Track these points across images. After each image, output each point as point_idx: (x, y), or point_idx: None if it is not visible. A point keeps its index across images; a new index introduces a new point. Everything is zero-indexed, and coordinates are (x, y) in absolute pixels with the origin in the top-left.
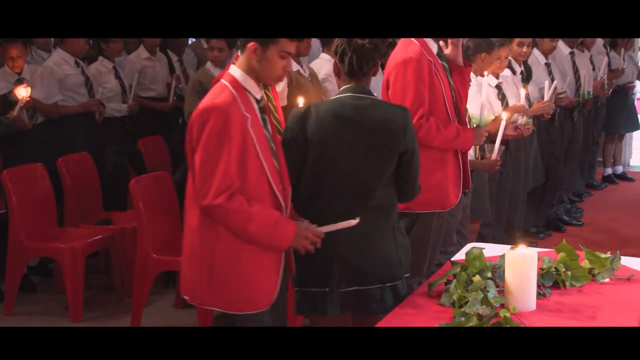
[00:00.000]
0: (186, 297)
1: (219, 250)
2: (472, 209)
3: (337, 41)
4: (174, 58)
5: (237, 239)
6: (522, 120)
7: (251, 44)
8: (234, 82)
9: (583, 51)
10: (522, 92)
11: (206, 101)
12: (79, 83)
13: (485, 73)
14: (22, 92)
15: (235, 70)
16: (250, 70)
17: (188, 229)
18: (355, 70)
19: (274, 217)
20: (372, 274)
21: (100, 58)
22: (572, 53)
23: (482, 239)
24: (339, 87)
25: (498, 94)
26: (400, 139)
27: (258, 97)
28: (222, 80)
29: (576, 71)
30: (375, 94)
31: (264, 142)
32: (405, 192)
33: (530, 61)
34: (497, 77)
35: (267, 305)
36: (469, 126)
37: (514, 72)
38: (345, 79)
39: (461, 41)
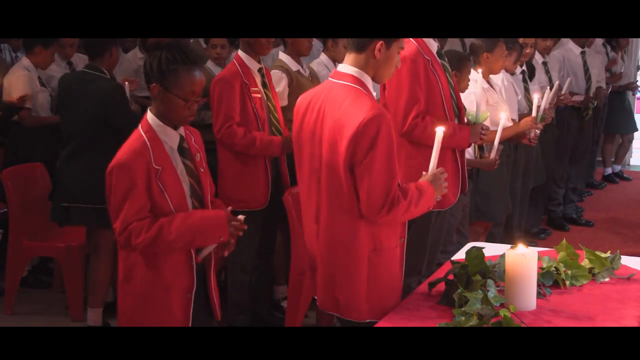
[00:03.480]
0: (336, 314)
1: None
2: (480, 211)
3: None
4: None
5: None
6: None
7: None
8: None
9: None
10: (503, 115)
11: None
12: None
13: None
14: None
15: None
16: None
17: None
18: None
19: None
20: None
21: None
22: (583, 52)
23: (491, 238)
24: None
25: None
26: None
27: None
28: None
29: (587, 70)
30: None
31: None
32: None
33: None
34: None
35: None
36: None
37: (512, 73)
38: None
39: None
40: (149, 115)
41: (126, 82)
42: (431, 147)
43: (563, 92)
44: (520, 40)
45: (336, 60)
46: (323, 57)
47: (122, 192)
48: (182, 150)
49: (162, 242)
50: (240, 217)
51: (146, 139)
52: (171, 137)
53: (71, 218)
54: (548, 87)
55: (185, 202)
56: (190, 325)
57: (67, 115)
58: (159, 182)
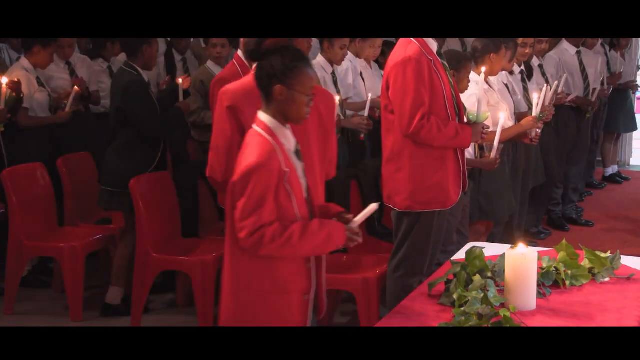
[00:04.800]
0: None
1: None
2: (483, 211)
3: None
4: (177, 57)
5: None
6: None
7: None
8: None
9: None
10: (502, 115)
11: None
12: (66, 87)
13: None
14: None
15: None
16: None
17: None
18: None
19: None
20: None
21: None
22: (578, 52)
23: (491, 238)
24: None
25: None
26: None
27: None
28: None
29: (583, 70)
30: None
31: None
32: None
33: (532, 61)
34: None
35: None
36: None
37: (511, 73)
38: None
39: None
40: (265, 118)
41: (180, 80)
42: (436, 148)
43: (560, 90)
44: (520, 40)
45: (333, 62)
46: (320, 58)
47: (260, 194)
48: (297, 153)
49: (289, 250)
50: (356, 225)
51: (272, 141)
52: (289, 139)
53: (111, 202)
54: (547, 86)
55: (305, 207)
56: (308, 326)
57: (111, 109)
58: (286, 185)
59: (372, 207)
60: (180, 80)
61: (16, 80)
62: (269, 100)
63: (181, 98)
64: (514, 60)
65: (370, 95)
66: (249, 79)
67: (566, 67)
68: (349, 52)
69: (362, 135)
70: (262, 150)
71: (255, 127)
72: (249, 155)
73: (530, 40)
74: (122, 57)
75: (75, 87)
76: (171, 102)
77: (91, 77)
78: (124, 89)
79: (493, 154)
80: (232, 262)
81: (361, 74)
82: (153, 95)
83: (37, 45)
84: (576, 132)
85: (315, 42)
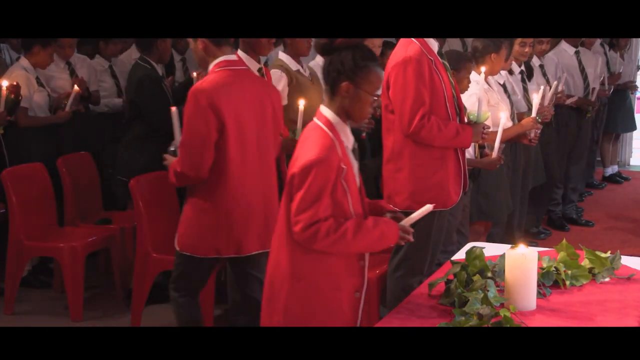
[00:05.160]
0: None
1: None
2: (482, 211)
3: None
4: (177, 57)
5: None
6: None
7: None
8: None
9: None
10: (503, 115)
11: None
12: (65, 87)
13: (483, 70)
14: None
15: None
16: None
17: None
18: None
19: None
20: None
21: (97, 56)
22: (577, 52)
23: (491, 238)
24: None
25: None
26: None
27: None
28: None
29: (583, 70)
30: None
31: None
32: None
33: (532, 61)
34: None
35: None
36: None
37: (511, 73)
38: None
39: None
40: (327, 113)
41: (194, 74)
42: (436, 148)
43: (559, 89)
44: (519, 39)
45: None
46: (319, 58)
47: (318, 188)
48: (354, 151)
49: (342, 246)
50: (408, 224)
51: (332, 136)
52: (348, 137)
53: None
54: (545, 86)
55: (359, 204)
56: (358, 325)
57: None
58: (343, 181)
59: (427, 207)
60: (195, 74)
61: (15, 83)
62: (334, 95)
63: (68, 107)
64: (510, 59)
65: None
66: (217, 76)
67: (565, 67)
68: None
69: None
70: (322, 146)
71: (316, 120)
72: (310, 149)
73: (530, 40)
74: (124, 56)
75: (76, 87)
76: (185, 97)
77: (91, 77)
78: (138, 83)
79: (494, 153)
80: (286, 254)
81: None
82: (167, 90)
83: (37, 45)
84: (576, 132)
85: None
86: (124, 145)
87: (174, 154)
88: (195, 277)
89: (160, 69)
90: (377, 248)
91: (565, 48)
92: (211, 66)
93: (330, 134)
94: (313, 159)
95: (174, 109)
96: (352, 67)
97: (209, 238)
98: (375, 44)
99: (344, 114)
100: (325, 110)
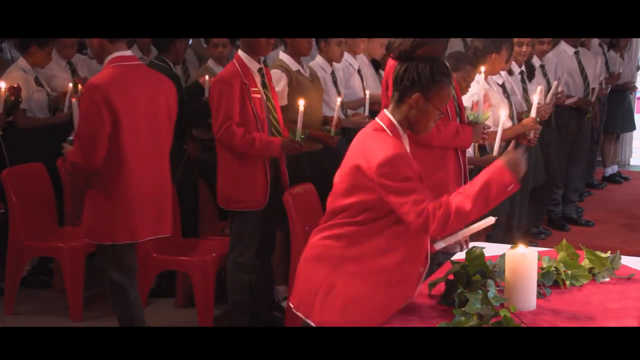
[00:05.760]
0: None
1: None
2: None
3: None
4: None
5: None
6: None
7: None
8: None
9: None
10: (503, 113)
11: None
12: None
13: (482, 70)
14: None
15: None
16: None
17: None
18: None
19: None
20: None
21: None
22: (576, 52)
23: (490, 238)
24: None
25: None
26: None
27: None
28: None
29: (582, 70)
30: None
31: None
32: None
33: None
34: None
35: None
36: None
37: (511, 73)
38: None
39: None
40: (392, 117)
41: (207, 76)
42: (436, 147)
43: (559, 90)
44: (515, 39)
45: (332, 60)
46: (319, 58)
47: (404, 178)
48: None
49: (461, 215)
50: (468, 234)
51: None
52: (406, 143)
53: None
54: (541, 87)
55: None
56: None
57: None
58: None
59: (490, 220)
60: (207, 77)
61: (16, 85)
62: (401, 103)
63: (207, 94)
64: (510, 60)
65: (368, 92)
66: (111, 72)
67: (565, 68)
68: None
69: None
70: (393, 144)
71: (379, 121)
72: (384, 148)
73: (527, 39)
74: None
75: (70, 85)
76: (196, 97)
77: (91, 76)
78: None
79: (495, 152)
80: (351, 252)
81: (360, 71)
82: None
83: (34, 45)
84: (576, 132)
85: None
86: None
87: (71, 143)
88: (112, 262)
89: (177, 70)
90: (493, 196)
91: (565, 48)
92: (106, 62)
93: (392, 137)
94: (390, 154)
95: (74, 100)
96: (428, 81)
97: (106, 225)
98: (382, 43)
99: (407, 123)
100: (389, 115)
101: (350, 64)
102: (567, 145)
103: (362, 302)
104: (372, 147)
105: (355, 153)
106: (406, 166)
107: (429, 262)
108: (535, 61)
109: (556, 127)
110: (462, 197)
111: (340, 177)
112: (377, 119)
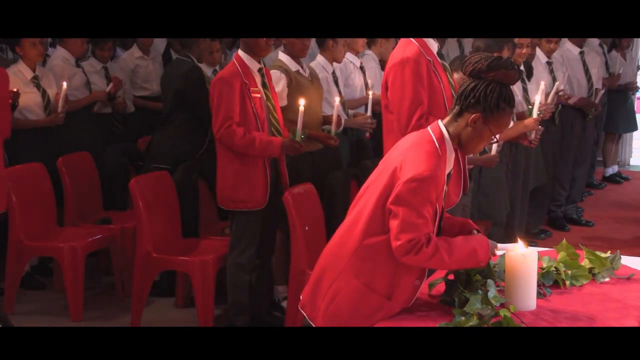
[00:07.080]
0: None
1: None
2: (482, 211)
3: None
4: (174, 56)
5: None
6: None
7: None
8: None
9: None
10: None
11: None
12: (82, 82)
13: None
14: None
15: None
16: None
17: None
18: None
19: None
20: None
21: (90, 58)
22: (581, 52)
23: (490, 238)
24: None
25: None
26: None
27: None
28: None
29: (587, 70)
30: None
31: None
32: None
33: (533, 61)
34: None
35: None
36: None
37: None
38: None
39: None
40: (444, 130)
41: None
42: None
43: (561, 89)
44: (516, 40)
45: (336, 60)
46: (320, 58)
47: (424, 200)
48: (448, 176)
49: (437, 261)
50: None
51: (439, 151)
52: (451, 162)
53: None
54: (545, 84)
55: (436, 225)
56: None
57: (163, 95)
58: (438, 197)
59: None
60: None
61: (15, 90)
62: (459, 117)
63: (60, 108)
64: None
65: (371, 93)
66: None
67: (570, 67)
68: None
69: (368, 134)
70: (432, 159)
71: (430, 132)
72: (423, 163)
73: (527, 41)
74: (127, 55)
75: (64, 85)
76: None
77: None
78: (186, 74)
79: (494, 151)
80: (361, 255)
81: (363, 69)
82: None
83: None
84: (581, 133)
85: (312, 43)
86: (165, 134)
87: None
88: None
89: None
90: (468, 265)
91: (570, 48)
92: None
93: (439, 151)
94: (423, 173)
95: None
96: (493, 105)
97: None
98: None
99: (458, 139)
100: (442, 127)
101: (350, 61)
102: (573, 146)
103: (354, 311)
104: (412, 156)
105: (395, 155)
106: (433, 190)
107: (425, 275)
108: (542, 58)
109: (561, 128)
110: (448, 247)
111: (378, 177)
112: (429, 128)
